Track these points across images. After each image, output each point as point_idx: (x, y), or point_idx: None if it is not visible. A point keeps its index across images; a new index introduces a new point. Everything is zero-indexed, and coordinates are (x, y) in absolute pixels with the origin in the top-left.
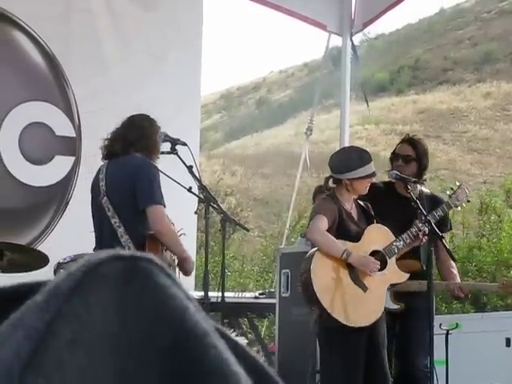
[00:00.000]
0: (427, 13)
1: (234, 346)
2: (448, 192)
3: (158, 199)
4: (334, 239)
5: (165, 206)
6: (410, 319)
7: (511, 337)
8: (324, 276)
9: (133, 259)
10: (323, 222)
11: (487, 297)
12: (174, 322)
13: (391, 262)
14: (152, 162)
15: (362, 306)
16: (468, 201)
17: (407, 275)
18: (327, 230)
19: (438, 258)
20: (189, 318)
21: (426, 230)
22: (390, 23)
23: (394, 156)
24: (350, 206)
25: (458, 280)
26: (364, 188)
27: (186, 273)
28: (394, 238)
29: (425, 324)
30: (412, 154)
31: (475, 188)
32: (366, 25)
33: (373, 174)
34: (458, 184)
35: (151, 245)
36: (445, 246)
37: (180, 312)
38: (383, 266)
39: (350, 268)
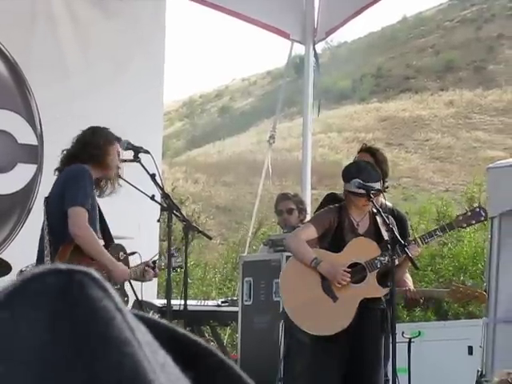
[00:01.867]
0: (390, 21)
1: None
2: (458, 213)
3: (80, 201)
4: (307, 248)
5: (88, 212)
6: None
7: (474, 345)
8: (293, 282)
9: (68, 273)
10: (308, 231)
11: (448, 305)
12: (99, 333)
13: (371, 275)
14: (101, 170)
15: (327, 315)
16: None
17: (385, 291)
18: (319, 238)
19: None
20: (112, 329)
21: (417, 248)
22: (352, 31)
23: None
24: (359, 217)
25: (411, 286)
26: (361, 205)
27: (115, 283)
28: (379, 253)
29: (378, 334)
30: (372, 163)
31: (438, 196)
32: (328, 33)
33: (370, 195)
34: (475, 205)
35: (64, 250)
36: (408, 255)
37: (105, 323)
38: (362, 278)
39: (324, 277)
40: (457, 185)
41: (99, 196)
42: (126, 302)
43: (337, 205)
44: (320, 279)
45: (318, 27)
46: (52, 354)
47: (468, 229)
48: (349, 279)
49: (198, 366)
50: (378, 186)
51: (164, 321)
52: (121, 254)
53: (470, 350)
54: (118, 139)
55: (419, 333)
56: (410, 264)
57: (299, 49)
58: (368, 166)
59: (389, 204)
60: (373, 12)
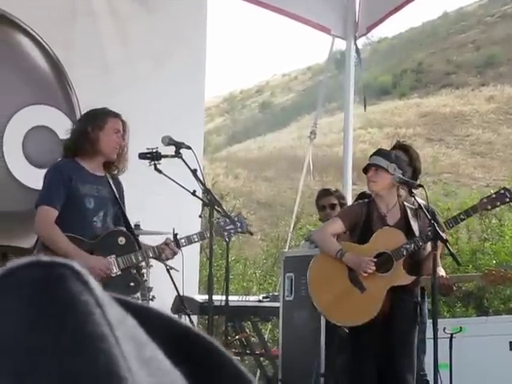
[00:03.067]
0: (430, 16)
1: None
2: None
3: (44, 200)
4: (332, 240)
5: (56, 208)
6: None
7: None
8: (321, 275)
9: (50, 265)
10: (335, 225)
11: (489, 301)
12: (76, 328)
13: (397, 264)
14: (98, 156)
15: (355, 306)
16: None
17: (412, 278)
18: (349, 233)
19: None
20: (89, 324)
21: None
22: (393, 27)
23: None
24: (388, 209)
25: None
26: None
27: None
28: (405, 241)
29: (410, 326)
30: (407, 160)
31: (480, 191)
32: (369, 29)
33: (367, 165)
34: (500, 187)
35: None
36: (449, 250)
37: (83, 318)
38: (389, 268)
39: (351, 269)
40: (497, 180)
41: (117, 174)
42: (133, 288)
43: (366, 200)
44: (347, 271)
45: (359, 22)
46: (26, 345)
47: (509, 224)
48: (374, 268)
49: (195, 359)
50: (373, 159)
51: (165, 312)
52: (120, 239)
53: None
54: (115, 114)
55: (460, 328)
56: (450, 258)
57: (340, 44)
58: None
59: (421, 201)
60: (413, 7)
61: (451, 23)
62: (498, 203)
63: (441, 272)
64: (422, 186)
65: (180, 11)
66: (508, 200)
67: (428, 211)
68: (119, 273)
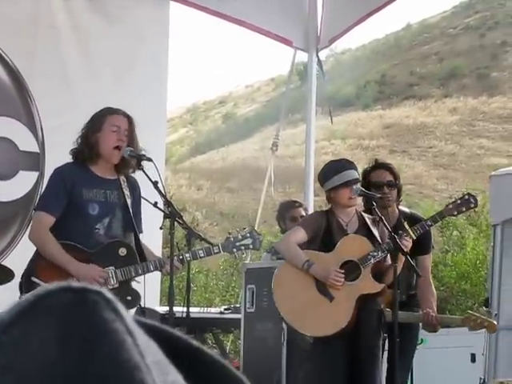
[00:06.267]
0: (394, 28)
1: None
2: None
3: (40, 206)
4: (298, 251)
5: (53, 215)
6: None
7: (476, 352)
8: (287, 286)
9: (81, 292)
10: (298, 235)
11: (451, 312)
12: (108, 356)
13: (365, 272)
14: (102, 160)
15: (324, 315)
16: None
17: (381, 286)
18: (308, 242)
19: (417, 283)
20: (122, 353)
21: (409, 239)
22: (356, 38)
23: (375, 184)
24: (347, 218)
25: (434, 309)
26: (345, 198)
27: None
28: (371, 248)
29: (375, 335)
30: (393, 179)
31: (442, 203)
32: (332, 41)
33: (349, 182)
34: (464, 193)
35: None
36: (409, 262)
37: (115, 346)
38: (357, 276)
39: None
40: (460, 192)
41: (132, 172)
42: (131, 302)
43: (324, 209)
44: (314, 280)
45: (321, 35)
46: (60, 374)
47: (470, 236)
48: (342, 278)
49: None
50: (355, 174)
51: (176, 332)
52: (121, 250)
53: (473, 358)
54: (114, 111)
55: (422, 340)
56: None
57: (303, 56)
58: (342, 159)
59: (405, 209)
60: (377, 19)
61: (414, 35)
62: (464, 209)
63: (433, 302)
64: (381, 198)
65: (142, 23)
66: (473, 205)
67: (415, 220)
68: (117, 285)
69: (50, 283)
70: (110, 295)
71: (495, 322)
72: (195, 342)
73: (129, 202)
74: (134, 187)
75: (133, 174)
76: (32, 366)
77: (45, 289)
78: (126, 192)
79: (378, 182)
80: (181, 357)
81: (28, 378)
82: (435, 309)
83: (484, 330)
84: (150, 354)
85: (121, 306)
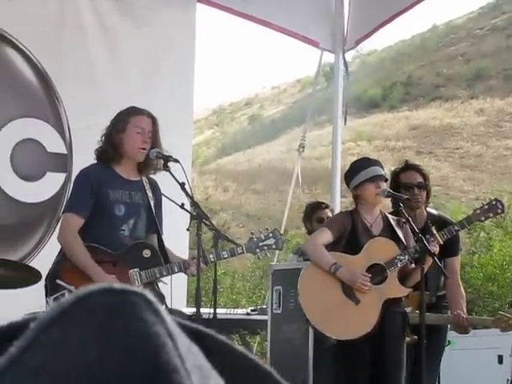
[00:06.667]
0: (420, 29)
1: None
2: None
3: (68, 207)
4: (325, 252)
5: (81, 216)
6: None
7: (504, 354)
8: (313, 288)
9: (122, 293)
10: (324, 236)
11: (478, 314)
12: (147, 358)
13: (392, 275)
14: (127, 159)
15: (350, 319)
16: (498, 214)
17: (408, 290)
18: (334, 243)
19: (446, 285)
20: (161, 356)
21: (436, 244)
22: (382, 39)
23: (405, 185)
24: (372, 219)
25: (464, 311)
26: (372, 194)
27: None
28: (398, 252)
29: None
30: (423, 181)
31: (469, 204)
32: (358, 42)
33: (375, 177)
34: (491, 199)
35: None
36: (437, 264)
37: (155, 349)
38: (383, 279)
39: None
40: (487, 193)
41: (154, 173)
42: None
43: (348, 209)
44: (340, 283)
45: (348, 36)
46: (98, 375)
47: (497, 238)
48: (369, 284)
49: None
50: (381, 171)
51: (220, 336)
52: (145, 252)
53: (500, 359)
54: (138, 111)
55: (449, 342)
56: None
57: (329, 57)
58: (367, 157)
59: (433, 211)
60: (403, 20)
61: (441, 36)
62: (491, 214)
63: (463, 304)
64: (409, 200)
65: (168, 25)
66: (500, 211)
67: (444, 223)
68: (141, 287)
69: (75, 286)
70: (151, 297)
71: None
72: (239, 348)
73: (151, 203)
74: (156, 189)
75: (159, 175)
76: (70, 367)
77: (86, 290)
78: (149, 193)
79: (409, 184)
80: (224, 362)
81: (65, 378)
82: (465, 310)
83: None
84: (190, 358)
85: (162, 309)
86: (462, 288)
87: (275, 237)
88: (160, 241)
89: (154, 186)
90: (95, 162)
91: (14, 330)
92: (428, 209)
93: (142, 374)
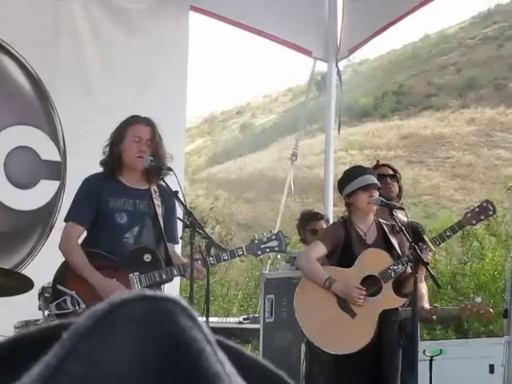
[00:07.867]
0: (411, 38)
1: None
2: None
3: (69, 216)
4: (319, 267)
5: (81, 224)
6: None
7: (495, 363)
8: (309, 303)
9: (156, 300)
10: (317, 249)
11: (469, 323)
12: (188, 364)
13: (387, 286)
14: (128, 168)
15: (348, 333)
16: (490, 215)
17: (403, 300)
18: (328, 255)
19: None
20: (202, 361)
21: (430, 252)
22: (374, 48)
23: (378, 177)
24: (366, 227)
25: (426, 301)
26: (364, 203)
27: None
28: (391, 262)
29: (396, 347)
30: (394, 173)
31: (460, 214)
32: (351, 51)
33: (368, 186)
34: (481, 201)
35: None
36: (430, 273)
37: (195, 355)
38: (378, 290)
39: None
40: (478, 202)
41: (160, 180)
42: None
43: (341, 219)
44: (335, 297)
45: (341, 45)
46: (139, 383)
47: (490, 247)
48: (364, 295)
49: None
50: (374, 179)
51: (245, 350)
52: (145, 256)
53: (492, 369)
54: (136, 121)
55: (440, 351)
56: (430, 280)
57: (321, 66)
58: (360, 166)
59: (404, 219)
60: (395, 29)
61: (432, 45)
62: (483, 217)
63: (425, 296)
64: (402, 209)
65: (162, 33)
66: (491, 213)
67: (414, 230)
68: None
69: (76, 291)
70: (185, 303)
71: (491, 310)
72: (259, 359)
73: (159, 211)
74: (167, 197)
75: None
76: (111, 376)
77: (120, 297)
78: (157, 202)
79: (381, 175)
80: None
81: None
82: (427, 301)
83: (503, 340)
84: (227, 363)
85: (196, 314)
86: (424, 282)
87: (279, 239)
88: (165, 248)
89: (165, 194)
90: (93, 170)
91: (43, 337)
92: (400, 215)
93: (183, 381)
